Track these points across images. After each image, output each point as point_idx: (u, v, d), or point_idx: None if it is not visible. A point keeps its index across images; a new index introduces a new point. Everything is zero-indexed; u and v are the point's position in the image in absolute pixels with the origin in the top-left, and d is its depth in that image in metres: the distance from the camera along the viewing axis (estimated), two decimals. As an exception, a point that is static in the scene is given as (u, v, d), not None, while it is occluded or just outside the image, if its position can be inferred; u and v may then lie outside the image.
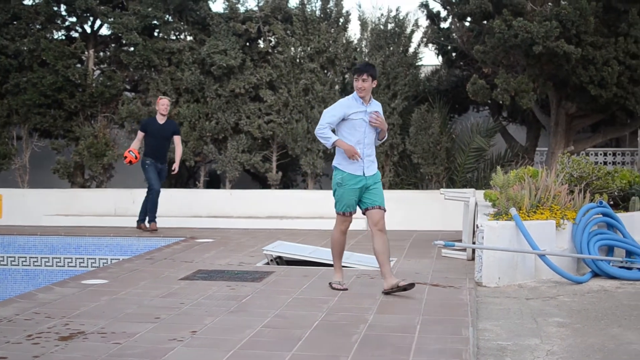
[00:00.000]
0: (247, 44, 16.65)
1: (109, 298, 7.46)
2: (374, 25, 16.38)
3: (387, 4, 29.82)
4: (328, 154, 16.46)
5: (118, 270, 9.17)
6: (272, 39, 16.71)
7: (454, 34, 16.62)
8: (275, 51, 16.53)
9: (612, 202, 10.38)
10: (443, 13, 17.15)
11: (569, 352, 5.79)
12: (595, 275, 8.90)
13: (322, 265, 9.39)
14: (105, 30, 17.11)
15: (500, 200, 9.19)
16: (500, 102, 14.20)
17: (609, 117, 15.71)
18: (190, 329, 6.16)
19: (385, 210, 7.66)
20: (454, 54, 17.37)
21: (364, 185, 7.60)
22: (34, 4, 16.48)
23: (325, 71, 16.49)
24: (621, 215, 9.67)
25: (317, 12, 16.41)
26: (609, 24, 13.68)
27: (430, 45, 17.20)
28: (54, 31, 16.82)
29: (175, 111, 15.84)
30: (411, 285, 7.48)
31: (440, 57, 17.72)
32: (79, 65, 16.63)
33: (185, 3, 16.36)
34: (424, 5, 17.14)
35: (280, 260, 9.97)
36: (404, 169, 16.23)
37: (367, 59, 16.09)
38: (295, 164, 17.06)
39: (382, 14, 16.39)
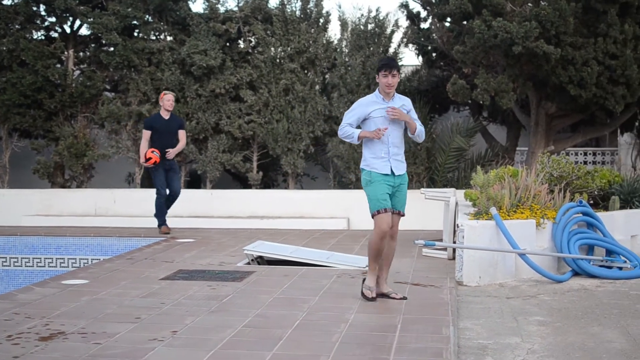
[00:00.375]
0: (227, 44, 16.65)
1: (90, 298, 7.43)
2: (354, 25, 16.39)
3: (367, 4, 29.80)
4: (308, 154, 16.49)
5: (98, 271, 9.13)
6: (252, 39, 16.71)
7: (434, 35, 16.63)
8: (256, 51, 16.53)
9: (592, 202, 10.43)
10: (423, 13, 17.21)
11: (549, 350, 5.81)
12: (575, 274, 8.94)
13: (303, 265, 9.39)
14: (84, 31, 17.08)
15: (481, 200, 9.22)
16: (481, 102, 14.23)
17: (588, 117, 15.77)
18: (170, 328, 6.15)
19: (404, 215, 7.40)
20: (434, 54, 17.39)
21: (392, 184, 7.24)
22: (13, 3, 16.39)
23: (306, 71, 16.50)
24: (601, 215, 9.72)
25: (297, 13, 16.43)
26: (588, 25, 13.74)
27: (410, 45, 17.21)
28: (34, 31, 16.75)
29: (155, 111, 15.75)
30: (404, 299, 7.35)
31: (420, 58, 17.73)
32: (58, 66, 16.57)
33: (165, 3, 16.31)
34: (404, 6, 17.16)
35: (261, 260, 9.95)
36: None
37: (347, 59, 16.11)
38: (275, 163, 17.04)
39: (362, 15, 16.41)
